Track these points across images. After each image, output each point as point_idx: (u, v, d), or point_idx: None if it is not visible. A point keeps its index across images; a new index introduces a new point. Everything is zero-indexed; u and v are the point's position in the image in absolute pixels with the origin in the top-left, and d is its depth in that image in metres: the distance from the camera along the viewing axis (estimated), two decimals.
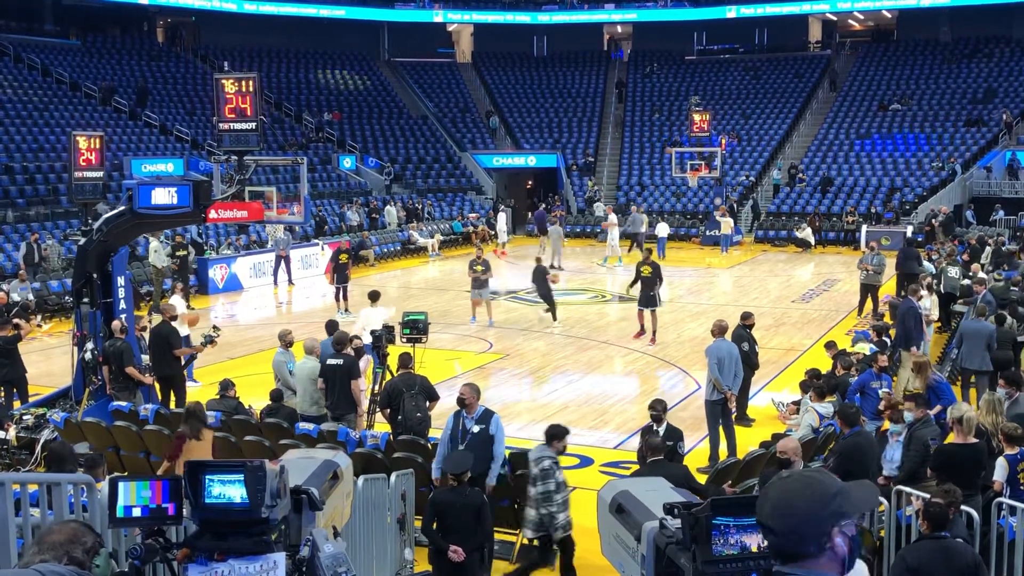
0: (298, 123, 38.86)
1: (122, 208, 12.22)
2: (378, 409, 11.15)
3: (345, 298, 21.06)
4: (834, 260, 30.02)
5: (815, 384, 10.94)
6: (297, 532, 3.05)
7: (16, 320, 14.49)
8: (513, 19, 46.17)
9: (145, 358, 12.87)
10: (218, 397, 11.56)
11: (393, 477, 8.11)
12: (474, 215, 35.54)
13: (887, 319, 15.64)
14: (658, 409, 9.21)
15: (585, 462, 11.14)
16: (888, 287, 20.59)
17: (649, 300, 17.80)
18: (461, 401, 8.59)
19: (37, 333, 18.32)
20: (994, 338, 12.60)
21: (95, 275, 12.29)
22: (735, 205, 35.54)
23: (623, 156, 40.91)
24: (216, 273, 24.93)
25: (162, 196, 11.83)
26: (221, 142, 12.82)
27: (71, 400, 12.21)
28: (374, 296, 14.98)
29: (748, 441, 11.12)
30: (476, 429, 8.41)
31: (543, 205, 37.17)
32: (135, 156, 30.71)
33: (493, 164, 40.42)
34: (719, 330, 11.77)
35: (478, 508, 7.24)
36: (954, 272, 17.83)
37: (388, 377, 11.51)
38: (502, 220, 32.89)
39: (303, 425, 10.34)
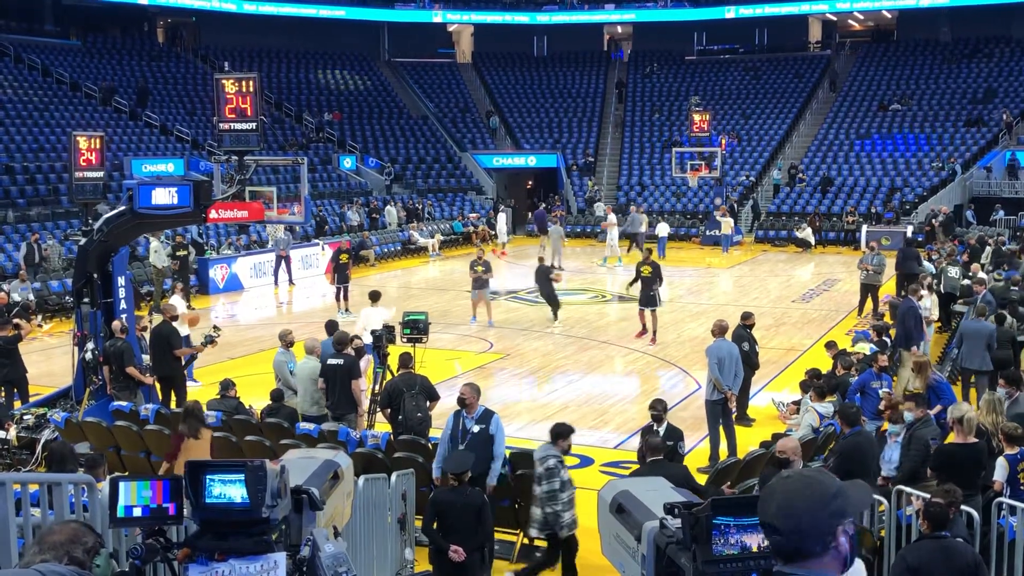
0: (298, 123, 38.87)
1: (122, 208, 12.22)
2: (378, 409, 11.15)
3: (346, 298, 21.07)
4: (834, 260, 30.01)
5: (815, 384, 10.94)
6: (298, 532, 3.05)
7: (17, 320, 14.50)
8: (513, 19, 46.17)
9: (146, 358, 12.88)
10: (219, 397, 11.57)
11: (394, 477, 8.11)
12: (474, 215, 35.54)
13: (887, 319, 15.64)
14: (658, 409, 9.22)
15: (585, 462, 11.13)
16: (888, 287, 20.59)
17: (649, 300, 17.82)
18: (461, 401, 8.60)
19: (38, 333, 18.32)
20: (994, 338, 12.61)
21: (96, 275, 12.30)
22: (735, 205, 35.55)
23: (623, 156, 40.92)
24: (216, 273, 24.94)
25: (162, 196, 11.83)
26: (221, 142, 12.82)
27: (72, 400, 12.22)
28: (375, 296, 14.98)
29: (748, 441, 11.12)
30: (476, 429, 8.41)
31: (543, 205, 37.17)
32: (135, 156, 30.72)
33: (493, 164, 40.42)
34: (719, 330, 11.77)
35: (479, 508, 7.24)
36: (954, 272, 17.83)
37: (388, 377, 11.52)
38: (502, 220, 32.89)
39: (304, 425, 10.34)
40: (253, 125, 12.39)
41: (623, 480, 4.40)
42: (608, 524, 3.62)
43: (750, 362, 12.47)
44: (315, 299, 24.42)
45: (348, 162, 37.14)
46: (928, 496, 6.30)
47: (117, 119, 33.45)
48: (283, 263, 25.54)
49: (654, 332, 17.86)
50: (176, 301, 15.38)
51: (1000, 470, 7.48)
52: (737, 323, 12.74)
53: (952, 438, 8.00)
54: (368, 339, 12.55)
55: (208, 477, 2.79)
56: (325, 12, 42.72)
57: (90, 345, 12.17)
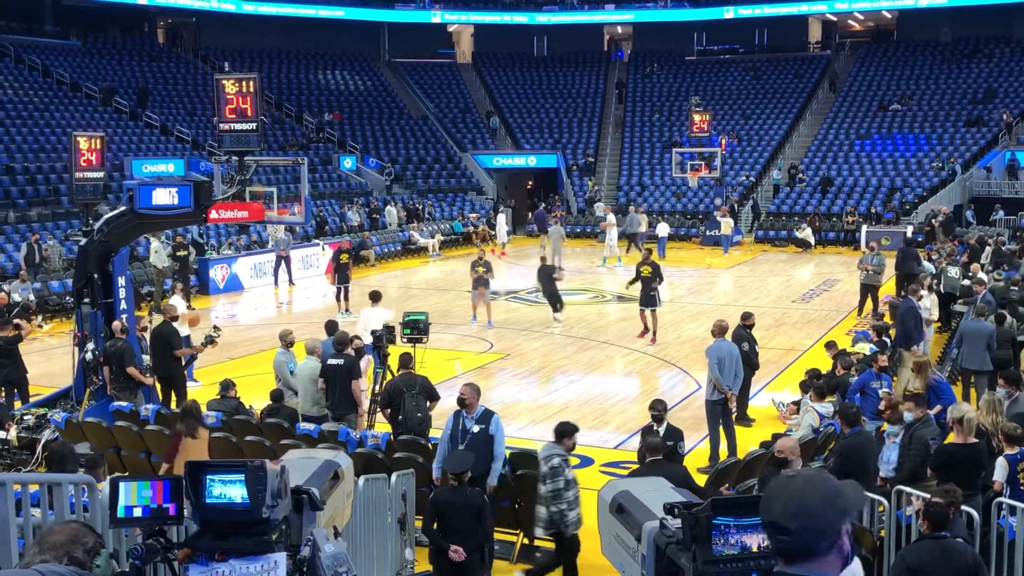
0: (299, 123, 38.87)
1: (123, 208, 12.22)
2: (379, 409, 11.15)
3: (346, 298, 21.07)
4: (834, 260, 30.02)
5: (815, 384, 10.94)
6: (298, 532, 3.05)
7: (17, 320, 14.50)
8: (513, 20, 46.16)
9: (146, 358, 12.88)
10: (219, 397, 11.58)
11: (394, 477, 8.11)
12: (474, 215, 35.55)
13: (887, 319, 15.64)
14: (659, 409, 9.22)
15: (585, 462, 11.12)
16: (888, 287, 20.59)
17: (649, 300, 17.85)
18: (461, 401, 8.60)
19: (38, 333, 18.33)
20: (994, 338, 12.61)
21: (96, 275, 12.30)
22: (735, 205, 35.55)
23: (623, 156, 40.92)
24: (217, 273, 24.94)
25: (163, 196, 11.83)
26: (222, 142, 12.82)
27: (72, 400, 12.22)
28: (375, 296, 14.98)
29: (748, 441, 11.12)
30: (476, 429, 8.41)
31: (543, 205, 37.20)
32: (136, 156, 30.73)
33: (493, 164, 40.43)
34: (719, 330, 11.77)
35: (479, 508, 7.24)
36: (954, 272, 17.83)
37: (389, 377, 11.52)
38: (501, 221, 32.91)
39: (304, 425, 10.35)
40: (253, 125, 12.39)
41: (623, 480, 4.40)
42: (608, 524, 3.62)
43: (750, 362, 12.47)
44: (315, 299, 24.42)
45: (348, 162, 37.14)
46: (928, 496, 6.30)
47: (117, 119, 33.47)
48: (283, 263, 25.55)
49: (654, 332, 17.88)
50: (176, 301, 15.38)
51: (1000, 470, 7.49)
52: (737, 323, 12.74)
53: (952, 438, 8.00)
54: (368, 339, 12.55)
55: (208, 477, 2.79)
56: (324, 12, 42.72)
57: (90, 345, 12.18)
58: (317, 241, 28.57)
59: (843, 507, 2.34)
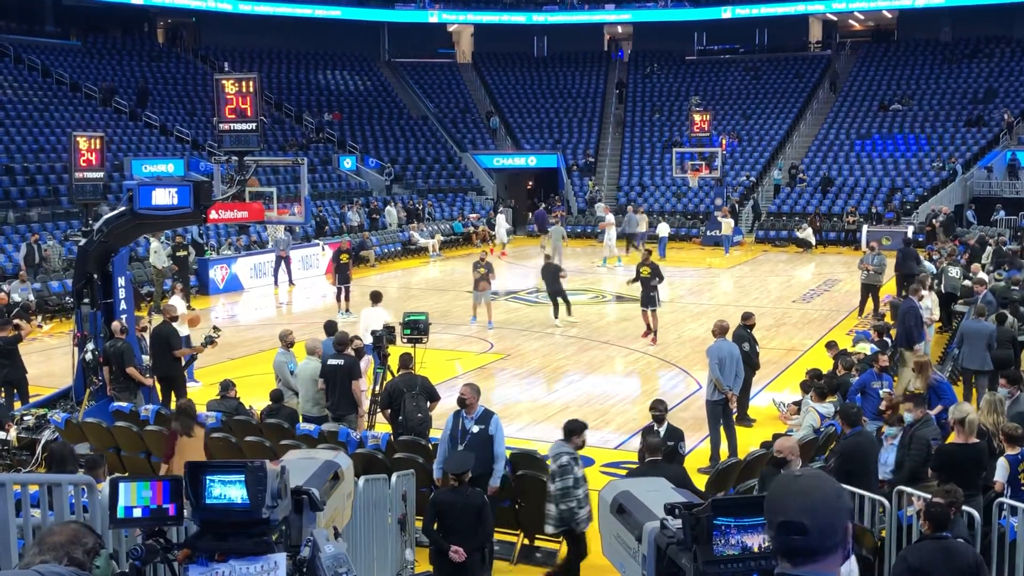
0: (298, 124, 38.88)
1: (122, 209, 12.22)
2: (379, 410, 11.15)
3: (347, 299, 21.07)
4: (835, 260, 30.02)
5: (816, 384, 10.94)
6: (298, 533, 3.05)
7: (17, 321, 14.51)
8: (513, 20, 46.16)
9: (146, 359, 12.88)
10: (219, 398, 11.58)
11: (394, 478, 8.10)
12: (475, 215, 35.55)
13: (888, 319, 15.64)
14: (659, 409, 9.23)
15: (586, 462, 11.07)
16: (889, 287, 20.59)
17: (649, 300, 17.89)
18: (461, 401, 8.59)
19: (38, 334, 18.34)
20: (994, 337, 12.62)
21: (96, 276, 12.30)
22: (736, 205, 35.55)
23: (623, 156, 40.92)
24: (216, 273, 24.94)
25: (162, 197, 11.83)
26: (221, 143, 12.81)
27: (72, 401, 12.22)
28: (376, 297, 14.98)
29: (749, 441, 11.12)
30: (476, 429, 8.40)
31: (543, 205, 37.22)
32: (135, 157, 30.73)
33: (493, 164, 40.44)
34: (720, 330, 11.76)
35: (479, 508, 7.24)
36: (955, 272, 17.83)
37: (389, 378, 11.52)
38: (501, 221, 32.93)
39: (304, 425, 10.35)
40: (253, 125, 12.38)
41: (624, 480, 4.39)
42: (609, 524, 3.62)
43: (751, 362, 12.47)
44: (315, 300, 24.43)
45: (348, 162, 37.15)
46: (929, 497, 6.30)
47: (117, 119, 33.47)
48: (283, 264, 25.55)
49: (655, 332, 17.90)
50: (176, 302, 15.38)
51: (1001, 471, 7.48)
52: (738, 323, 12.74)
53: (953, 438, 8.00)
54: (368, 340, 12.55)
55: (208, 478, 2.78)
56: (321, 12, 42.69)
57: (90, 346, 12.17)
58: (317, 241, 28.58)
59: (847, 504, 2.37)
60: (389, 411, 10.37)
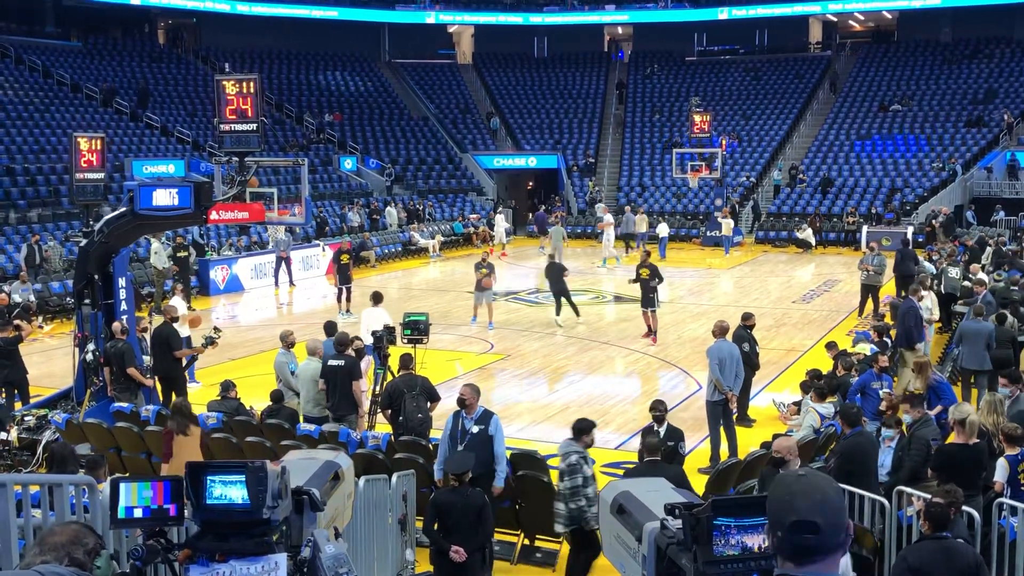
0: (299, 124, 38.88)
1: (123, 209, 12.23)
2: (379, 410, 11.15)
3: (348, 299, 21.07)
4: (835, 261, 30.02)
5: (816, 385, 10.94)
6: (298, 533, 3.05)
7: (17, 321, 14.52)
8: (513, 20, 46.15)
9: (147, 359, 12.88)
10: (219, 398, 11.59)
11: (394, 478, 8.11)
12: (475, 216, 35.56)
13: (888, 320, 15.64)
14: (660, 410, 9.24)
15: None
16: (888, 288, 20.60)
17: (648, 301, 17.94)
18: (461, 401, 8.60)
19: (38, 334, 18.34)
20: (993, 337, 12.63)
21: (96, 276, 12.31)
22: (736, 206, 35.55)
23: (624, 157, 40.93)
24: (217, 274, 24.95)
25: (163, 197, 11.84)
26: (222, 143, 12.81)
27: (72, 401, 12.23)
28: (376, 298, 14.98)
29: (749, 442, 11.12)
30: (475, 430, 8.41)
31: (543, 207, 37.21)
32: (136, 157, 30.73)
33: (494, 165, 40.45)
34: (720, 331, 11.77)
35: (479, 508, 7.24)
36: (954, 273, 17.84)
37: (389, 378, 11.52)
38: (499, 222, 32.93)
39: (304, 426, 10.35)
40: (254, 126, 12.38)
41: (624, 481, 4.40)
42: (609, 525, 3.62)
43: (751, 363, 12.47)
44: (315, 300, 24.43)
45: (349, 163, 37.15)
46: (929, 497, 6.30)
47: (118, 120, 33.47)
48: (283, 264, 25.56)
49: (654, 332, 17.92)
50: (177, 302, 15.39)
51: (1001, 471, 7.49)
52: (738, 324, 12.74)
53: (953, 438, 8.00)
54: (369, 340, 12.56)
55: (209, 478, 2.79)
56: (321, 13, 42.63)
57: (91, 346, 12.18)
58: (317, 242, 28.58)
59: (846, 504, 2.36)
60: (389, 411, 10.37)
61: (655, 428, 8.97)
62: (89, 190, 13.75)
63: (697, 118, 32.71)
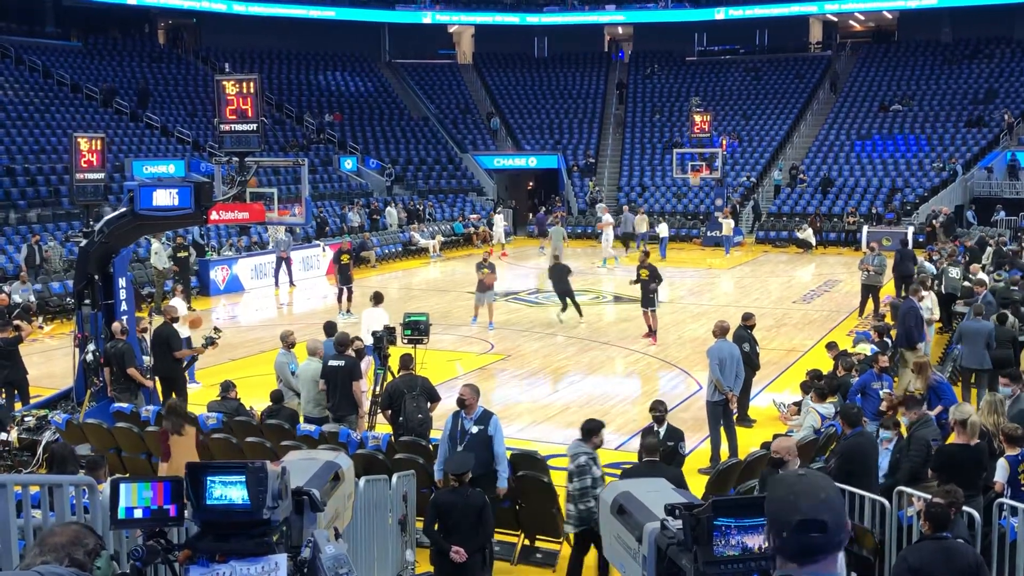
0: (299, 124, 38.88)
1: (123, 210, 12.23)
2: (379, 410, 11.15)
3: (349, 299, 21.06)
4: (835, 261, 30.02)
5: (816, 385, 10.94)
6: (299, 533, 3.05)
7: (17, 322, 14.53)
8: (514, 20, 46.14)
9: (147, 360, 12.88)
10: (219, 398, 11.59)
11: (394, 478, 8.11)
12: (475, 216, 35.56)
13: (888, 320, 15.64)
14: (660, 410, 9.24)
15: None
16: (889, 288, 20.60)
17: (647, 301, 17.97)
18: (461, 402, 8.60)
19: (38, 335, 18.34)
20: (993, 336, 12.64)
21: (96, 277, 12.31)
22: (736, 206, 35.55)
23: (624, 157, 40.93)
24: (217, 274, 24.95)
25: (163, 197, 11.84)
26: (222, 143, 12.81)
27: (72, 402, 12.23)
28: (377, 298, 14.99)
29: (749, 442, 11.12)
30: (475, 430, 8.41)
31: (543, 207, 37.20)
32: (136, 158, 30.74)
33: (494, 165, 40.46)
34: (720, 331, 11.77)
35: (480, 509, 7.24)
36: (955, 273, 17.84)
37: (389, 378, 11.52)
38: (498, 222, 32.91)
39: (304, 426, 10.35)
40: (254, 126, 12.38)
41: (624, 481, 4.39)
42: (609, 525, 3.62)
43: (751, 363, 12.47)
44: (316, 300, 24.44)
45: (349, 163, 37.15)
46: (929, 497, 6.30)
47: (118, 120, 33.48)
48: (284, 264, 25.56)
49: (655, 332, 17.92)
50: (177, 303, 15.39)
51: (1001, 471, 7.48)
52: (738, 324, 12.74)
53: (953, 438, 8.00)
54: (369, 340, 12.56)
55: (209, 479, 2.79)
56: (321, 13, 42.60)
57: (91, 347, 12.18)
58: (317, 242, 28.58)
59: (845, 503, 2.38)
60: (390, 412, 10.37)
61: (655, 428, 8.97)
62: (89, 190, 13.75)
63: (697, 118, 32.71)
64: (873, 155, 37.27)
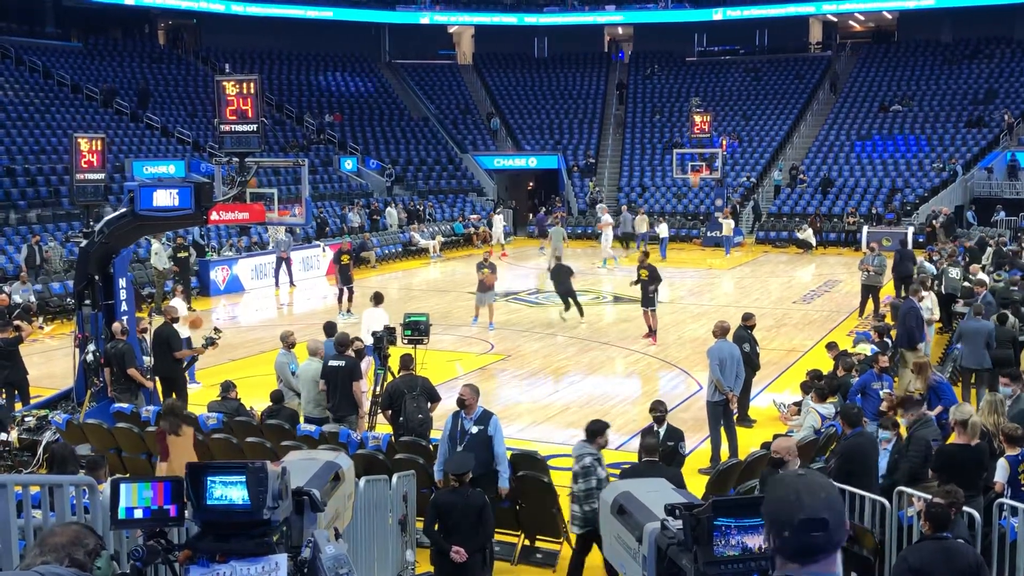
0: (299, 125, 38.88)
1: (123, 210, 12.24)
2: (379, 411, 11.15)
3: (349, 300, 21.06)
4: (835, 261, 30.01)
5: (816, 385, 10.94)
6: (299, 533, 3.05)
7: (17, 322, 14.53)
8: (514, 21, 46.12)
9: (147, 360, 12.88)
10: (220, 399, 11.58)
11: (394, 478, 8.11)
12: (475, 216, 35.56)
13: (888, 320, 15.64)
14: (660, 410, 9.24)
15: None
16: (889, 288, 20.60)
17: (647, 301, 17.97)
18: (461, 402, 8.60)
19: (39, 335, 18.34)
20: (993, 336, 12.64)
21: (97, 277, 12.31)
22: (737, 206, 35.55)
23: (624, 157, 40.93)
24: (217, 275, 24.95)
25: (163, 198, 11.84)
26: (222, 144, 12.81)
27: (73, 402, 12.23)
28: (377, 298, 14.99)
29: (749, 442, 11.12)
30: (475, 430, 8.41)
31: (543, 208, 37.20)
32: (136, 158, 30.74)
33: (494, 165, 40.46)
34: (720, 331, 11.77)
35: (480, 509, 7.25)
36: (955, 273, 17.84)
37: (389, 378, 11.52)
38: (498, 223, 32.90)
39: (304, 426, 10.35)
40: (254, 127, 12.37)
41: (624, 481, 4.40)
42: (609, 525, 3.62)
43: (751, 363, 12.47)
44: (316, 301, 24.44)
45: (349, 164, 37.15)
46: (929, 497, 6.30)
47: (118, 121, 33.47)
48: (284, 265, 25.56)
49: (655, 332, 17.93)
50: (177, 303, 15.39)
51: (1001, 471, 7.49)
52: (738, 324, 12.74)
53: (953, 439, 8.00)
54: (369, 341, 12.56)
55: (209, 479, 2.79)
56: (321, 14, 42.57)
57: (91, 347, 12.18)
58: (318, 243, 28.58)
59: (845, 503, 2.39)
60: (390, 412, 10.37)
61: (655, 429, 8.97)
62: (89, 191, 13.75)
63: (697, 118, 32.71)
64: (873, 155, 37.27)
